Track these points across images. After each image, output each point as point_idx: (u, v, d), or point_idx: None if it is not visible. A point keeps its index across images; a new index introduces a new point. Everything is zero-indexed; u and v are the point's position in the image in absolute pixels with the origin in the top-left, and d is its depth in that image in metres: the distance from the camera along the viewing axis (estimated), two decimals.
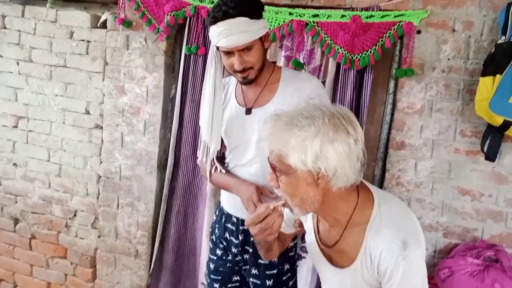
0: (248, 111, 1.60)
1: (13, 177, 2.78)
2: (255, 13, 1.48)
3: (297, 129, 1.01)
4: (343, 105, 2.02)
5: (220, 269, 1.74)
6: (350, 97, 2.01)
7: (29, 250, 2.81)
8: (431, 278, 1.96)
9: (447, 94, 1.92)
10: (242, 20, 1.44)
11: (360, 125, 1.98)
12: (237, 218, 1.69)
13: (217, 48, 1.53)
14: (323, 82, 2.06)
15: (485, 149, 1.84)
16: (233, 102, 1.66)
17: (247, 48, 1.48)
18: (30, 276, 2.83)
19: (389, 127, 2.02)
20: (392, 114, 2.01)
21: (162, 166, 2.45)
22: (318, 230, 1.25)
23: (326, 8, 2.02)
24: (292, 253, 1.69)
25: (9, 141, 2.76)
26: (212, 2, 2.13)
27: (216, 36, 1.47)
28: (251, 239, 1.64)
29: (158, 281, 2.52)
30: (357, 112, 2.03)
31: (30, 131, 2.69)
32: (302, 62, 2.05)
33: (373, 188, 1.16)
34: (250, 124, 1.59)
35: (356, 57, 1.97)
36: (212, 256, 1.78)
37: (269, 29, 2.10)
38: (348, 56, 1.97)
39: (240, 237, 1.68)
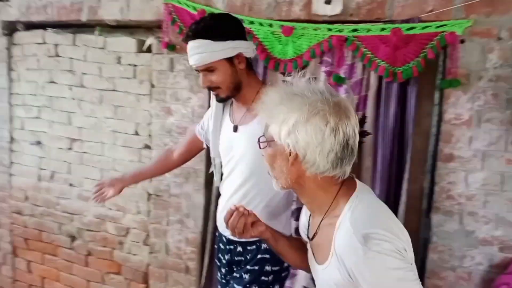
0: (235, 129, 1.65)
1: (69, 196, 2.93)
2: (219, 35, 1.53)
3: (282, 104, 1.06)
4: (387, 118, 2.00)
5: None
6: (394, 110, 1.99)
7: (86, 266, 2.95)
8: None
9: (495, 103, 1.86)
10: (202, 42, 1.53)
11: (406, 137, 1.99)
12: (225, 237, 1.72)
13: None
14: (365, 96, 2.05)
15: None
16: (227, 119, 1.72)
17: (209, 68, 1.56)
18: None
19: (436, 139, 1.98)
20: (439, 126, 1.97)
21: (209, 183, 2.51)
22: (309, 224, 1.25)
23: (365, 22, 2.01)
24: (266, 278, 1.63)
25: (64, 162, 2.92)
26: (252, 23, 2.18)
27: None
28: (236, 258, 1.67)
29: None
30: (402, 125, 2.01)
31: (84, 152, 2.84)
32: (343, 76, 2.05)
33: (360, 184, 1.13)
34: (237, 141, 1.64)
35: (399, 70, 1.95)
36: (218, 277, 1.81)
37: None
38: (390, 69, 1.96)
39: (226, 257, 1.70)
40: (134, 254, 2.75)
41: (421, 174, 2.04)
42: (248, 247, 1.65)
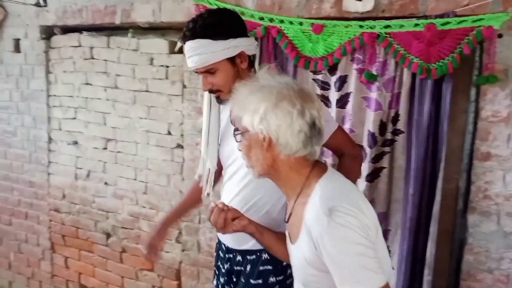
0: (236, 131, 1.60)
1: (104, 195, 3.02)
2: (220, 33, 1.43)
3: (251, 95, 1.15)
4: (421, 116, 1.96)
5: None
6: (429, 108, 1.95)
7: (120, 263, 3.02)
8: None
9: None
10: (201, 42, 1.42)
11: (441, 135, 1.95)
12: (224, 245, 1.65)
13: None
14: (398, 93, 2.02)
15: None
16: (226, 121, 1.65)
17: (210, 70, 1.46)
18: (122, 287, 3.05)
19: (472, 137, 1.93)
20: (475, 123, 1.91)
21: None
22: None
23: (398, 18, 1.98)
24: None
25: (100, 162, 3.00)
26: (282, 22, 2.17)
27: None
28: (236, 267, 1.61)
29: None
30: (436, 122, 1.96)
31: (118, 152, 2.91)
32: (375, 74, 2.02)
33: (331, 168, 1.21)
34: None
35: (433, 66, 1.90)
36: (214, 285, 1.77)
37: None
38: (424, 65, 1.91)
39: (226, 266, 1.63)
40: (167, 252, 2.80)
41: (456, 173, 1.99)
42: (248, 257, 1.58)
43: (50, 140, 3.22)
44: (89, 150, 3.03)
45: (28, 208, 3.44)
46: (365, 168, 2.05)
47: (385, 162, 2.06)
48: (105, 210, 3.03)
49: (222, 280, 1.67)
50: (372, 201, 2.08)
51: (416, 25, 1.93)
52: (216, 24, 1.45)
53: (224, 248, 1.66)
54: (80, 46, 2.98)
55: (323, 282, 1.11)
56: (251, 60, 1.56)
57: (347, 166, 1.61)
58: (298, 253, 1.17)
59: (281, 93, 1.12)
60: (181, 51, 2.58)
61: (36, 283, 3.50)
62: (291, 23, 2.17)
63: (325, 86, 2.17)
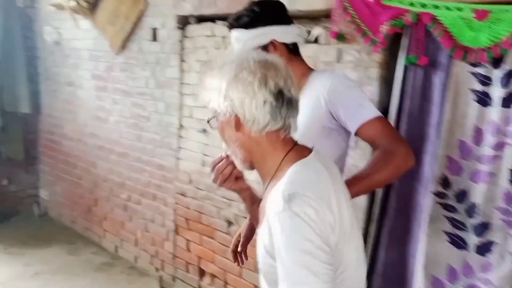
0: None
1: None
2: (249, 23, 1.49)
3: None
4: None
5: None
6: None
7: None
8: None
9: None
10: (237, 32, 1.52)
11: None
12: None
13: None
14: None
15: None
16: None
17: None
18: (240, 277, 3.05)
19: None
20: None
21: None
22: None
23: None
24: None
25: None
26: (436, 7, 1.93)
27: None
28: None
29: None
30: None
31: None
32: None
33: (315, 156, 1.09)
34: None
35: None
36: None
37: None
38: None
39: None
40: None
41: None
42: None
43: (180, 126, 3.33)
44: (216, 139, 3.05)
45: (156, 190, 3.63)
46: None
47: None
48: (228, 198, 3.04)
49: None
50: None
51: None
52: (247, 15, 1.52)
53: None
54: (213, 35, 3.02)
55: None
56: (293, 48, 1.60)
57: (373, 160, 1.45)
58: (260, 240, 1.10)
59: (241, 65, 1.06)
60: (316, 41, 2.47)
61: (159, 261, 3.69)
62: (447, 8, 1.92)
63: (486, 81, 1.88)
